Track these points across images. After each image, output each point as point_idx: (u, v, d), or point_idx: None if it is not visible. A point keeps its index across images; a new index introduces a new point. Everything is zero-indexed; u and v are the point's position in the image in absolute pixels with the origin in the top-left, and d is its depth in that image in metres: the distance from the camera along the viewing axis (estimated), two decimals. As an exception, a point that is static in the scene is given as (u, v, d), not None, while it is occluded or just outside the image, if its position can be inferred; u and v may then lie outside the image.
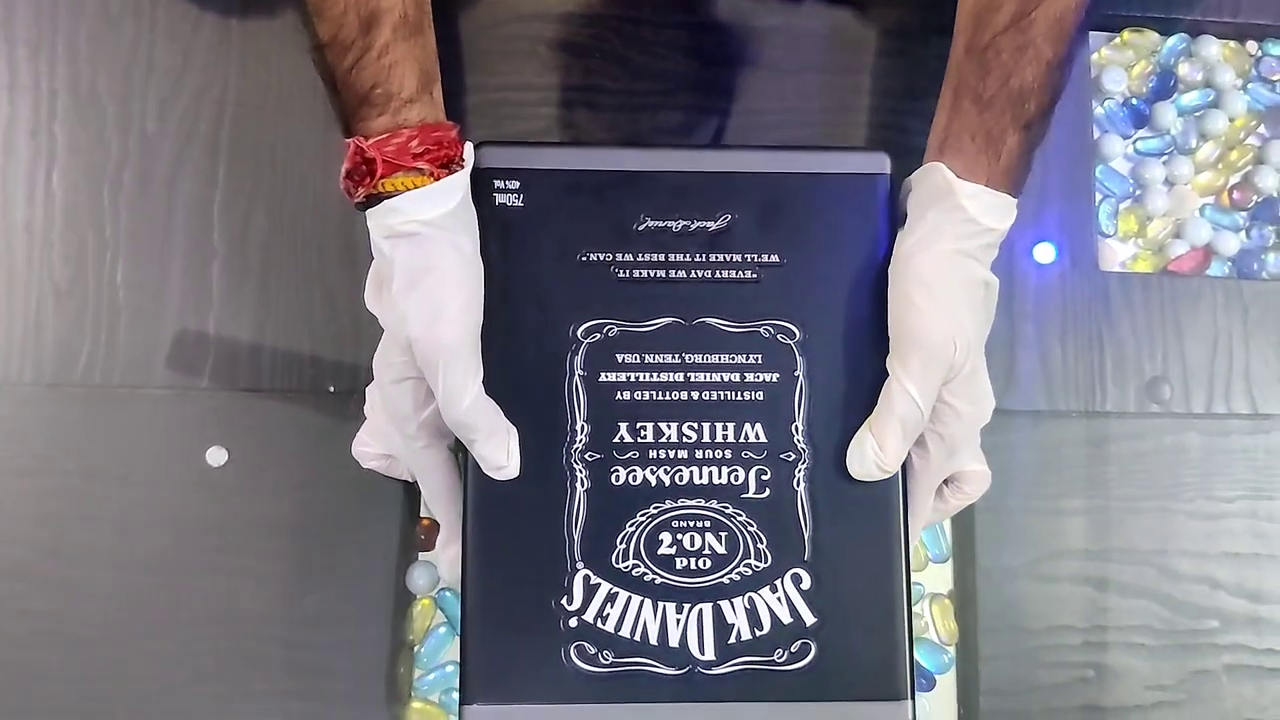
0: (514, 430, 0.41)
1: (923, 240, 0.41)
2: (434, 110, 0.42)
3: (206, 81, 0.51)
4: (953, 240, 0.41)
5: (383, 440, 0.45)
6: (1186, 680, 0.48)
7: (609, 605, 0.42)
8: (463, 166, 0.41)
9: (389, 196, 0.40)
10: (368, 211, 0.41)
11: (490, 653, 0.42)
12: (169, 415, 0.48)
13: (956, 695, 0.48)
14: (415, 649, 0.48)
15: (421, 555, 0.49)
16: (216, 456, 0.48)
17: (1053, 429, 0.50)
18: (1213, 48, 0.55)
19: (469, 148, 0.42)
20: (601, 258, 0.44)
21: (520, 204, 0.44)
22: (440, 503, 0.44)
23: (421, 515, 0.49)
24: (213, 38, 0.51)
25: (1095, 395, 0.50)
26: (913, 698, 0.42)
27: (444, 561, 0.45)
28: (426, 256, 0.40)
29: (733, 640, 0.42)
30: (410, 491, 0.48)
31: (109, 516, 0.47)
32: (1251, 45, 0.56)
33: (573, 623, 0.42)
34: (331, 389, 0.48)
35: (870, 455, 0.41)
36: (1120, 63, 0.55)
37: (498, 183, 0.44)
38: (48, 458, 0.47)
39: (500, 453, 0.41)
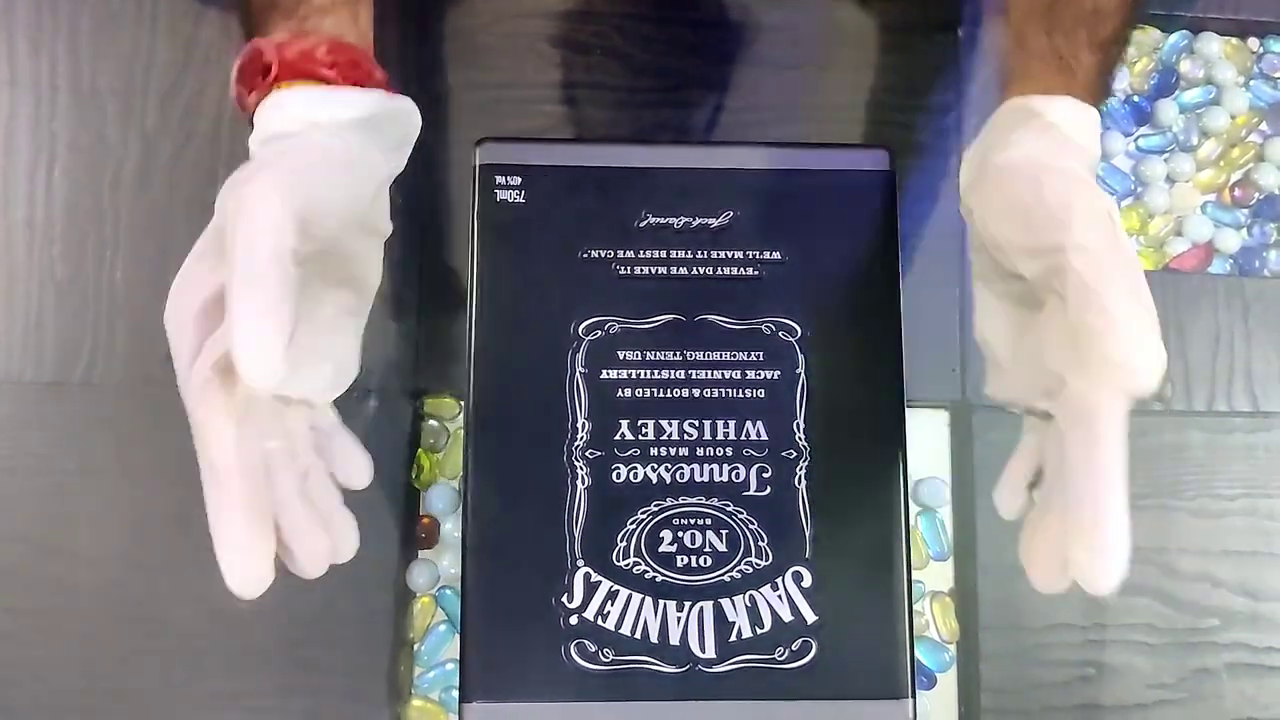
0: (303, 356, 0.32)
1: (1018, 149, 0.35)
2: (355, 32, 0.36)
3: (208, 78, 0.50)
4: (1052, 155, 0.35)
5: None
6: (1187, 678, 0.48)
7: (609, 603, 0.42)
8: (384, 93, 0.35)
9: None
10: (254, 117, 0.34)
11: (490, 651, 0.42)
12: (170, 413, 0.48)
13: (957, 693, 0.48)
14: (415, 647, 0.48)
15: (422, 553, 0.49)
16: (217, 454, 0.47)
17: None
18: (1214, 44, 0.55)
19: (406, 102, 0.37)
20: (603, 254, 0.44)
21: (521, 200, 0.44)
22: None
23: (421, 513, 0.49)
24: (214, 34, 0.51)
25: (1096, 393, 0.50)
26: (913, 696, 0.42)
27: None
28: (298, 144, 0.33)
29: (733, 638, 0.42)
30: (411, 489, 0.48)
31: (110, 514, 0.47)
32: (1253, 42, 0.56)
33: (573, 620, 0.42)
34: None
35: (1150, 355, 0.31)
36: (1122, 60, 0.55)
37: (499, 179, 0.44)
38: (48, 456, 0.47)
39: (267, 361, 0.29)
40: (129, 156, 0.50)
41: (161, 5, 0.51)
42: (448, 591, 0.48)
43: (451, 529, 0.48)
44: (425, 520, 0.49)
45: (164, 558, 0.47)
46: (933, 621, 0.49)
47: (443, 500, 0.48)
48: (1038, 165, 0.34)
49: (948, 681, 0.48)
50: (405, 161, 0.38)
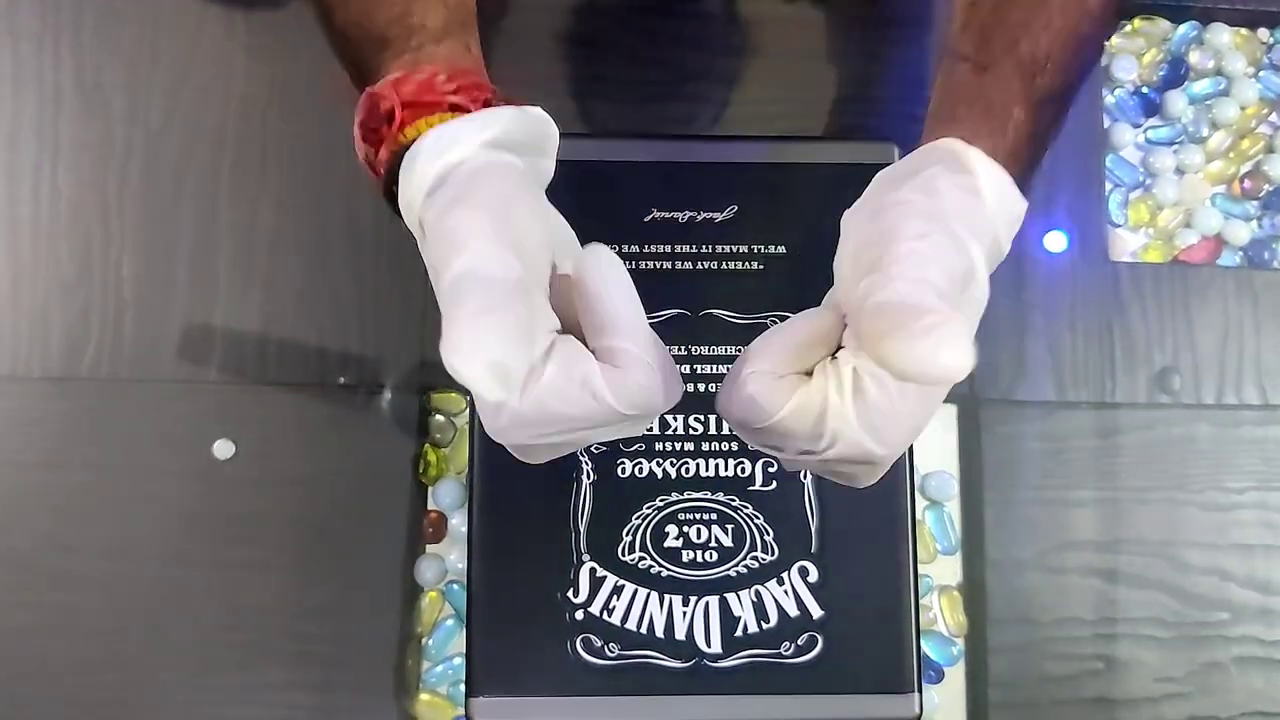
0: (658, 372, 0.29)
1: (918, 190, 0.31)
2: (470, 60, 0.34)
3: (212, 74, 0.50)
4: (952, 200, 0.31)
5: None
6: (1196, 672, 0.48)
7: (615, 598, 0.42)
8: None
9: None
10: (399, 184, 0.31)
11: (497, 645, 0.42)
12: (176, 408, 0.48)
13: (965, 687, 0.48)
14: (423, 641, 0.48)
15: (429, 547, 0.49)
16: (224, 449, 0.48)
17: (1062, 420, 0.49)
18: (1224, 35, 0.55)
19: (537, 110, 0.33)
20: (607, 249, 0.44)
21: (525, 196, 0.44)
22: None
23: (429, 507, 0.49)
24: (218, 30, 0.51)
25: (1105, 386, 0.50)
26: (920, 690, 0.42)
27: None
28: (470, 180, 0.30)
29: (739, 633, 0.42)
30: (418, 483, 0.48)
31: (116, 509, 0.47)
32: (1263, 32, 0.55)
33: (579, 615, 0.42)
34: (343, 380, 0.48)
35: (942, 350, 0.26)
36: (1131, 51, 0.54)
37: (503, 175, 0.44)
38: (55, 451, 0.47)
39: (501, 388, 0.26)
40: (133, 153, 0.50)
41: (165, 1, 0.51)
42: (455, 586, 0.48)
43: (458, 524, 0.48)
44: (432, 515, 0.49)
45: (170, 552, 0.47)
46: (941, 615, 0.48)
47: (450, 495, 0.48)
48: (936, 232, 0.30)
49: (956, 675, 0.48)
50: (554, 167, 0.34)
